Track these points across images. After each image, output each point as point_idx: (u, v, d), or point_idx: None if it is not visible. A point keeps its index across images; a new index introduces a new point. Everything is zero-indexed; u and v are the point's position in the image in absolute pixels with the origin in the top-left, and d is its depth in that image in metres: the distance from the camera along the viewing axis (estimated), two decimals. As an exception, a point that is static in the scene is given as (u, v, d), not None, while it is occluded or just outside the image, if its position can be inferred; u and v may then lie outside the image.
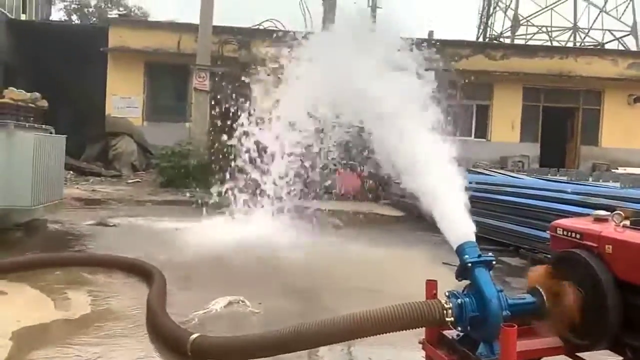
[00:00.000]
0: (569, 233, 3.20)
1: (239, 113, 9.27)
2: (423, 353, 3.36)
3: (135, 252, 6.28)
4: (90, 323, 4.19)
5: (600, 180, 9.87)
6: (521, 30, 31.94)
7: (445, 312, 2.88)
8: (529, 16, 31.97)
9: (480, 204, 8.40)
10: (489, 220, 8.07)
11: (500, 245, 7.65)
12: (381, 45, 4.09)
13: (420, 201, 3.41)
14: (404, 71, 3.87)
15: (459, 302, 2.91)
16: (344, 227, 9.12)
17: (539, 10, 31.88)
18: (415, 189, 3.44)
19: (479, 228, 7.67)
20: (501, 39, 31.49)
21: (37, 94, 10.09)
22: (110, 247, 6.79)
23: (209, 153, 12.49)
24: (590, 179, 10.16)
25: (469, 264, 2.99)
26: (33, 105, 9.82)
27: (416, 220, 9.23)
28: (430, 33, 19.36)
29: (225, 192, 8.94)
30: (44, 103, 10.19)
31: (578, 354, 3.24)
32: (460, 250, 3.08)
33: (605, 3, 30.84)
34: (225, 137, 9.55)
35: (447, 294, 2.99)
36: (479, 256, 3.01)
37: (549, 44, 29.55)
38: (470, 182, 9.37)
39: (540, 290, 3.01)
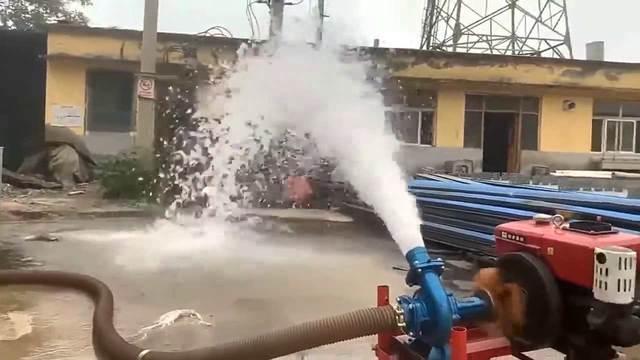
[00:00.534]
0: (513, 236, 3.31)
1: (185, 121, 9.13)
2: (376, 359, 3.40)
3: (79, 267, 6.06)
4: (32, 343, 4.01)
5: (540, 183, 10.27)
6: (463, 39, 33.01)
7: (397, 317, 2.92)
8: (469, 25, 33.08)
9: (427, 208, 8.58)
10: (436, 225, 8.25)
11: (448, 249, 7.84)
12: (328, 53, 4.13)
13: (371, 208, 3.46)
14: (351, 79, 3.92)
15: (410, 308, 2.95)
16: (295, 235, 9.11)
17: (479, 20, 33.04)
18: (366, 196, 3.49)
19: (426, 232, 7.79)
20: (444, 48, 32.41)
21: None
22: (52, 262, 6.52)
23: (155, 162, 12.21)
24: (531, 182, 10.56)
25: (419, 270, 3.04)
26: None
27: (366, 226, 9.33)
28: (376, 42, 19.72)
29: (173, 202, 8.77)
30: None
31: (524, 353, 3.37)
32: (410, 256, 3.14)
33: (541, 13, 32.32)
34: (171, 146, 9.37)
35: (398, 299, 3.03)
36: (429, 261, 3.08)
37: (489, 52, 30.63)
38: (416, 188, 9.60)
39: (487, 292, 3.10)
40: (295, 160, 10.56)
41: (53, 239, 8.15)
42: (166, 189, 9.39)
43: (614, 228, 3.12)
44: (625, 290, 2.73)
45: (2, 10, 28.29)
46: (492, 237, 3.50)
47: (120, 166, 13.03)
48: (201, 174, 8.87)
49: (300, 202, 12.57)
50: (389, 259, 6.54)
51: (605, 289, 2.75)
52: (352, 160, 3.54)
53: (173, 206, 8.73)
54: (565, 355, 3.13)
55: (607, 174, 14.75)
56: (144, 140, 14.03)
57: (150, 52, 14.36)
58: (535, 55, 29.03)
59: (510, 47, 32.28)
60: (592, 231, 3.04)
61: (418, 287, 3.11)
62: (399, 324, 2.93)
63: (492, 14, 32.81)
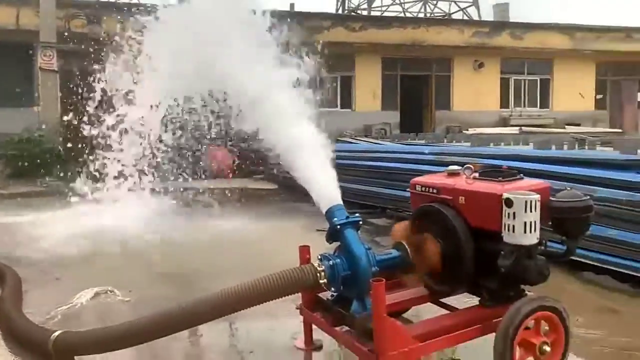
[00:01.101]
0: (427, 189, 3.41)
1: (92, 93, 8.60)
2: (301, 318, 3.42)
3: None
4: None
5: (454, 142, 10.67)
6: (377, 2, 33.19)
7: (318, 274, 2.94)
8: (383, -12, 33.28)
9: (348, 170, 8.69)
10: (357, 186, 8.39)
11: (369, 208, 8.01)
12: (240, 17, 3.98)
13: (291, 172, 3.43)
14: (267, 44, 3.82)
15: (331, 264, 2.98)
16: (218, 205, 8.94)
17: (392, -17, 33.32)
18: (284, 160, 3.45)
19: (348, 194, 7.91)
20: (359, 11, 32.50)
21: None
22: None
23: (63, 138, 11.49)
24: (445, 141, 10.94)
25: (338, 226, 3.07)
26: None
27: (291, 192, 9.32)
28: (292, 5, 19.43)
29: (85, 179, 8.32)
30: None
31: (442, 299, 3.51)
32: (329, 214, 3.15)
33: (450, -24, 33.03)
34: (79, 120, 8.83)
35: (319, 257, 3.05)
36: (347, 218, 3.10)
37: (402, 15, 31.06)
38: (337, 151, 9.67)
39: (404, 244, 3.18)
40: (214, 129, 10.30)
41: (-49, 225, 7.52)
42: (76, 165, 8.87)
43: (520, 175, 3.27)
44: (531, 231, 2.89)
45: None
46: (409, 194, 3.58)
47: (24, 144, 12.17)
48: (113, 148, 8.44)
49: (222, 172, 12.35)
50: (313, 222, 6.57)
51: (513, 231, 2.90)
52: (270, 126, 3.48)
53: (85, 183, 8.28)
54: (479, 299, 3.29)
55: (515, 130, 15.56)
56: (49, 115, 13.14)
57: (49, 20, 13.33)
58: (446, 17, 29.77)
59: (423, 10, 32.91)
60: (499, 179, 3.17)
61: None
62: (321, 281, 2.95)
63: (404, -24, 33.19)
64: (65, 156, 9.93)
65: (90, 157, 8.50)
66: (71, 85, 10.55)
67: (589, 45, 19.10)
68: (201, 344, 3.56)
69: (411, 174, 3.86)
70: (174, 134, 8.81)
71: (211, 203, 9.09)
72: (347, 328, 3.06)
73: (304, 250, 3.25)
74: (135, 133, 8.41)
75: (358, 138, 13.50)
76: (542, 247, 3.10)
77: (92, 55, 9.05)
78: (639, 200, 4.62)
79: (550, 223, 3.06)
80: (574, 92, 19.76)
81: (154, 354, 3.34)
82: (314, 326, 3.37)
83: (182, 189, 9.11)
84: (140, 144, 8.46)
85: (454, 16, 30.99)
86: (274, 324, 3.82)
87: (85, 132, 8.55)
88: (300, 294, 3.29)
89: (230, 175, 12.38)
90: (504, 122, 18.65)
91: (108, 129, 8.40)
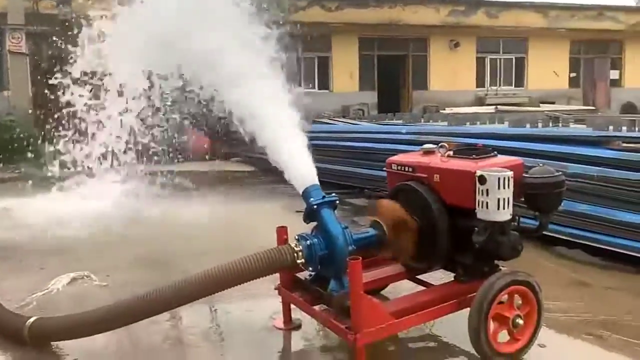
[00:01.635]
0: (402, 167, 3.44)
1: (64, 76, 8.41)
2: (280, 298, 3.44)
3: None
4: None
5: (431, 121, 10.73)
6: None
7: (295, 254, 2.96)
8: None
9: (326, 151, 8.70)
10: (335, 166, 8.41)
11: (347, 189, 8.04)
12: None
13: (266, 153, 3.42)
14: (243, 23, 3.77)
15: (308, 244, 3.00)
16: (197, 188, 8.88)
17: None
18: (261, 141, 3.43)
19: (326, 174, 7.89)
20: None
21: None
22: None
23: (35, 123, 11.25)
24: (422, 121, 10.99)
25: (315, 206, 3.08)
26: None
27: (269, 174, 9.30)
28: (266, -15, 19.11)
29: (59, 164, 8.18)
30: None
31: (418, 276, 3.57)
32: (305, 194, 3.16)
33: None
34: (51, 104, 8.64)
35: (296, 237, 3.06)
36: (323, 197, 3.11)
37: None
38: (314, 132, 9.66)
39: (381, 222, 3.21)
40: (191, 112, 10.19)
41: None
42: (50, 150, 8.71)
43: (493, 153, 3.31)
44: (504, 208, 2.94)
45: None
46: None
47: (-7, 130, 11.87)
48: (87, 131, 8.29)
49: (200, 155, 12.25)
50: (292, 204, 6.57)
51: (487, 208, 2.94)
52: (243, 108, 3.46)
53: (59, 168, 8.15)
54: (454, 275, 3.35)
55: (491, 109, 15.70)
56: (19, 99, 12.84)
57: (17, 1, 12.95)
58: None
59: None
60: (473, 156, 3.20)
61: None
62: (298, 261, 2.97)
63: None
64: (38, 141, 9.72)
65: (64, 142, 8.35)
66: (42, 68, 10.32)
67: (563, 23, 19.28)
68: (181, 326, 3.56)
69: (388, 154, 3.87)
70: (148, 116, 8.70)
71: (188, 186, 9.03)
72: (325, 307, 3.09)
73: (282, 231, 3.25)
74: (110, 116, 8.28)
75: (336, 119, 13.50)
76: (516, 223, 3.17)
77: (62, 37, 8.83)
78: (610, 175, 4.72)
79: (523, 199, 3.12)
80: (548, 70, 19.99)
81: (133, 337, 3.33)
82: (292, 306, 3.39)
83: (158, 172, 9.01)
84: (115, 127, 8.34)
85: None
86: (252, 305, 3.84)
87: (57, 116, 8.39)
88: (278, 275, 3.31)
89: (208, 158, 12.29)
90: (480, 102, 18.81)
91: (81, 111, 8.25)
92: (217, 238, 5.64)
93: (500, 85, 19.98)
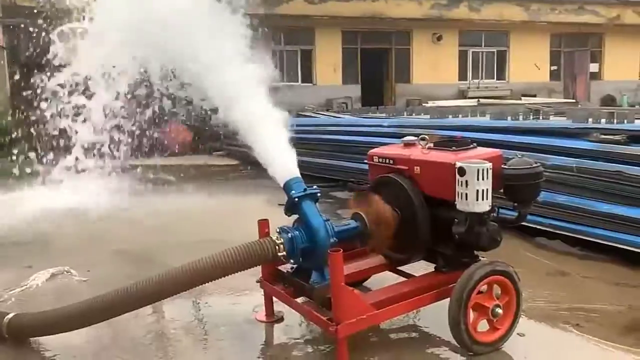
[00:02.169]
0: (383, 159, 3.45)
1: (41, 69, 8.27)
2: (262, 291, 3.45)
3: None
4: None
5: (413, 114, 10.74)
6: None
7: (277, 247, 2.96)
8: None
9: (309, 144, 8.70)
10: (319, 160, 8.42)
11: (331, 182, 8.05)
12: None
13: (248, 145, 3.40)
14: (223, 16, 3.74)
15: (290, 236, 3.00)
16: (178, 183, 8.84)
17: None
18: (241, 134, 3.42)
19: (310, 168, 7.88)
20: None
21: None
22: None
23: (12, 117, 11.07)
24: (405, 114, 11.01)
25: (296, 199, 3.07)
26: None
27: (251, 167, 9.27)
28: (248, -23, 18.95)
29: (36, 158, 8.07)
30: None
31: (399, 267, 3.59)
32: (287, 187, 3.16)
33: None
34: (29, 97, 8.50)
35: (278, 230, 3.06)
36: (305, 190, 3.11)
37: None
38: (297, 125, 9.64)
39: (362, 215, 3.22)
40: (171, 106, 10.11)
41: None
42: (29, 144, 8.58)
43: (473, 145, 3.34)
44: (483, 199, 2.96)
45: None
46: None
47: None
48: (68, 125, 8.18)
49: (181, 149, 12.16)
50: (275, 197, 6.54)
51: (466, 199, 2.97)
52: (224, 100, 3.44)
53: (38, 162, 8.04)
54: (435, 265, 3.38)
55: (473, 102, 15.80)
56: (-4, 93, 12.62)
57: (-8, -7, 12.72)
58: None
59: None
60: (453, 148, 3.23)
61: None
62: (280, 254, 2.96)
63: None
64: (17, 135, 9.56)
65: (43, 136, 8.23)
66: (19, 62, 10.15)
67: (543, 16, 19.42)
68: (163, 320, 3.55)
69: (371, 147, 3.88)
70: (129, 109, 8.61)
71: (170, 180, 8.98)
72: (307, 299, 3.10)
73: (263, 224, 3.25)
74: (90, 109, 8.17)
75: (319, 112, 13.47)
76: (495, 214, 3.20)
77: (41, 29, 8.68)
78: (588, 166, 4.79)
79: (502, 190, 3.15)
80: (529, 63, 20.14)
81: (114, 332, 3.31)
82: (274, 298, 3.40)
83: (139, 166, 8.94)
84: (95, 120, 8.23)
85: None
86: (235, 299, 3.84)
87: (36, 110, 8.25)
88: (260, 268, 3.31)
89: (190, 152, 12.23)
90: (463, 95, 18.90)
91: (61, 104, 8.14)
92: (198, 232, 5.61)
93: (482, 78, 20.08)
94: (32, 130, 8.49)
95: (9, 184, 7.88)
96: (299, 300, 3.14)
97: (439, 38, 19.01)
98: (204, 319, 3.58)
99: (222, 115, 3.52)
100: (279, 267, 3.28)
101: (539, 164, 3.17)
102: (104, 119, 8.24)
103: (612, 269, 4.37)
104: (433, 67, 18.86)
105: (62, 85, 8.05)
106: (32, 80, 8.55)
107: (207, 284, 2.95)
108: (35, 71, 8.50)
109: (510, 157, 3.31)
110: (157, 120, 10.28)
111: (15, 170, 8.19)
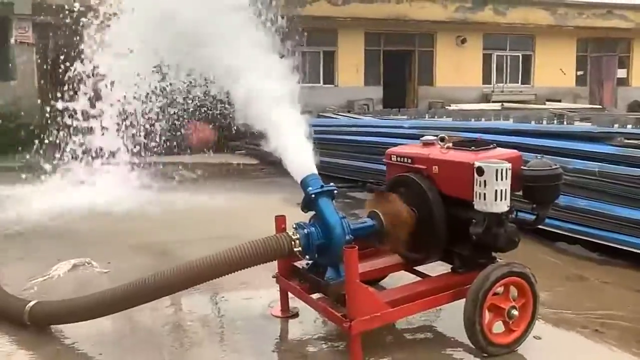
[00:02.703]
0: (401, 158, 3.45)
1: (71, 67, 8.45)
2: (278, 287, 3.47)
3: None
4: None
5: (435, 117, 10.69)
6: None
7: (293, 243, 2.98)
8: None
9: (330, 145, 8.72)
10: (338, 160, 8.43)
11: (350, 182, 8.06)
12: None
13: (269, 144, 3.44)
14: (246, 18, 3.79)
15: (306, 232, 3.02)
16: (200, 180, 8.94)
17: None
18: (262, 131, 3.46)
19: (329, 168, 7.87)
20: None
21: None
22: None
23: (41, 113, 11.29)
24: (427, 116, 10.96)
25: (313, 195, 3.09)
26: None
27: (272, 167, 9.32)
28: (273, -22, 19.06)
29: (63, 153, 8.23)
30: None
31: (416, 267, 3.58)
32: (304, 183, 3.18)
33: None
34: (57, 94, 8.68)
35: (294, 226, 3.08)
36: (322, 187, 3.13)
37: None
38: (317, 126, 9.67)
39: (379, 213, 3.22)
40: (197, 104, 10.24)
41: None
42: (55, 139, 8.75)
43: (493, 145, 3.32)
44: (502, 199, 2.94)
45: None
46: (388, 167, 3.60)
47: (1, 119, 11.94)
48: (92, 122, 8.34)
49: (204, 147, 12.28)
50: (293, 196, 6.58)
51: (484, 199, 2.95)
52: (246, 98, 3.48)
53: (62, 157, 8.20)
54: (451, 266, 3.36)
55: (497, 106, 15.63)
56: (26, 89, 12.91)
57: (23, -9, 13.00)
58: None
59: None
60: (472, 148, 3.21)
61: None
62: (295, 249, 2.99)
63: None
64: (43, 131, 9.77)
65: (70, 132, 8.39)
66: (48, 59, 10.36)
67: (570, 21, 19.15)
68: (180, 312, 3.60)
69: (390, 148, 3.91)
70: (155, 108, 8.74)
71: (192, 177, 9.09)
72: (322, 295, 3.12)
73: (280, 220, 3.27)
74: (115, 107, 8.32)
75: (340, 113, 13.48)
76: (513, 215, 3.17)
77: (69, 27, 8.87)
78: (610, 171, 4.71)
79: (521, 192, 3.13)
80: (555, 68, 19.86)
81: (132, 321, 3.37)
82: (290, 294, 3.42)
83: (162, 164, 9.06)
84: (120, 118, 8.38)
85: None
86: (251, 294, 3.87)
87: (62, 106, 8.43)
88: (277, 263, 3.34)
89: (212, 150, 12.34)
90: (486, 98, 18.72)
91: (87, 102, 8.30)
92: (217, 228, 5.67)
93: (506, 82, 19.88)
94: (59, 126, 8.66)
95: (36, 178, 8.05)
96: (314, 296, 3.15)
97: (463, 41, 18.87)
98: (220, 313, 3.62)
99: (244, 115, 3.57)
100: (295, 263, 3.30)
101: (558, 166, 3.14)
102: (129, 116, 8.41)
103: (632, 275, 4.30)
104: (456, 70, 18.72)
105: (89, 78, 8.22)
106: (60, 76, 8.74)
107: (224, 278, 2.99)
108: (64, 67, 8.68)
109: (530, 159, 3.29)
110: (182, 119, 10.43)
111: (41, 164, 8.36)
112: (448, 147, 3.31)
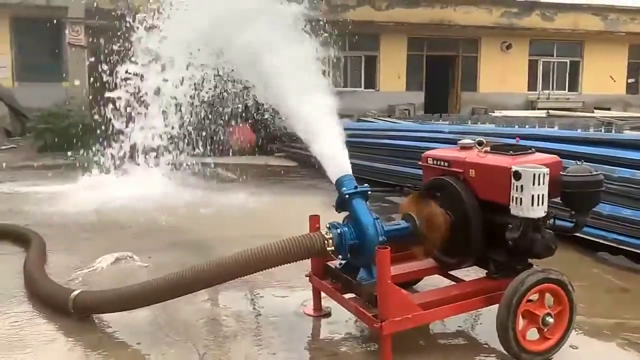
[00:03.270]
0: (438, 162, 3.44)
1: (119, 69, 8.75)
2: (311, 286, 3.51)
3: (11, 218, 5.87)
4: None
5: (478, 123, 10.53)
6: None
7: (326, 242, 3.01)
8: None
9: (368, 149, 8.72)
10: (376, 164, 8.41)
11: (388, 187, 8.02)
12: None
13: (305, 144, 3.50)
14: (289, 22, 3.86)
15: (339, 232, 3.05)
16: (239, 181, 9.09)
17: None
18: (301, 133, 3.52)
19: (368, 172, 7.87)
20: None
21: None
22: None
23: (90, 113, 11.73)
24: (469, 122, 10.80)
25: (347, 196, 3.12)
26: None
27: (310, 169, 9.40)
28: (317, -17, 19.25)
29: (109, 152, 8.54)
30: None
31: (450, 272, 3.56)
32: (338, 184, 3.21)
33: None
34: (106, 94, 9.00)
35: (327, 225, 3.11)
36: (356, 187, 3.16)
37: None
38: (357, 130, 9.69)
39: (413, 215, 3.22)
40: (237, 107, 10.43)
41: (-16, 192, 7.82)
42: (102, 139, 9.08)
43: (531, 150, 3.27)
44: (539, 205, 2.90)
45: None
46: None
47: (53, 118, 12.47)
48: (138, 122, 8.61)
49: (244, 149, 12.48)
50: (330, 199, 6.60)
51: (521, 204, 2.91)
52: (286, 100, 3.54)
53: (109, 156, 8.50)
54: (486, 271, 3.32)
55: (542, 113, 15.28)
56: (77, 90, 13.44)
57: (77, -4, 13.57)
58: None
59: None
60: (510, 152, 3.18)
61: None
62: (328, 248, 3.02)
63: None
64: (92, 130, 10.15)
65: (118, 131, 8.69)
66: (99, 61, 10.73)
67: (621, 26, 18.57)
68: (216, 307, 3.68)
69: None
70: (198, 109, 8.95)
71: (232, 178, 9.25)
72: (354, 295, 3.14)
73: (314, 220, 3.31)
74: (160, 108, 8.57)
75: (380, 118, 13.46)
76: (551, 222, 3.12)
77: (120, 31, 9.18)
78: (657, 180, 4.56)
79: (560, 198, 3.07)
80: (604, 75, 19.29)
81: (169, 313, 3.47)
82: (322, 293, 3.45)
83: (202, 164, 9.26)
84: (165, 118, 8.63)
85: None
86: (285, 291, 3.93)
87: (111, 107, 8.73)
88: (310, 262, 3.38)
89: (252, 151, 12.52)
90: (531, 105, 18.36)
91: (136, 102, 8.58)
92: (255, 227, 5.76)
93: (553, 89, 19.44)
94: (107, 124, 8.97)
95: (84, 175, 8.36)
96: (347, 296, 3.17)
97: (508, 47, 18.58)
98: (254, 309, 3.69)
99: (283, 117, 3.64)
100: (328, 263, 3.34)
101: (599, 172, 3.06)
102: (174, 117, 8.64)
103: (679, 289, 4.14)
104: (501, 76, 18.43)
105: (135, 78, 8.49)
106: (110, 78, 9.06)
107: (260, 276, 3.05)
108: (114, 69, 8.99)
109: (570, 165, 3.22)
110: (224, 121, 10.64)
111: (89, 162, 8.69)
112: (485, 151, 3.28)
